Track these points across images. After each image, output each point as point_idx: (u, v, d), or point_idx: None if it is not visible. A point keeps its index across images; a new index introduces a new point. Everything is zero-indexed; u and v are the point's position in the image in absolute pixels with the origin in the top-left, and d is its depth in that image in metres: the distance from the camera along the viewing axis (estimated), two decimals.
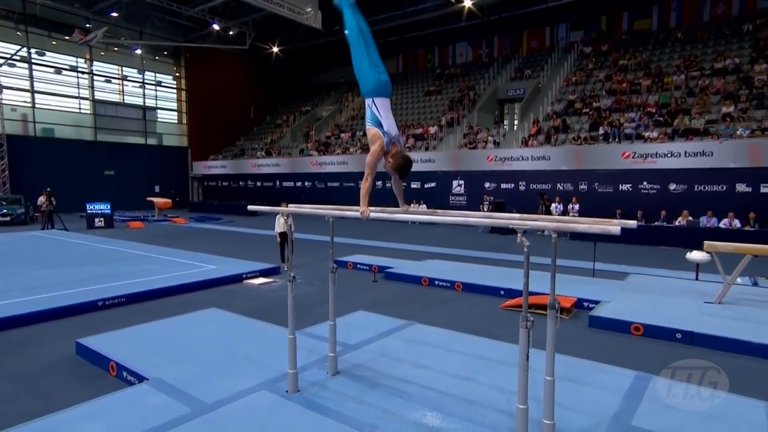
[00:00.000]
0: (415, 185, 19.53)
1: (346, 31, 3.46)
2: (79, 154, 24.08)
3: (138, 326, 5.29)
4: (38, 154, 22.59)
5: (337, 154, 23.18)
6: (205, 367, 4.13)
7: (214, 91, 29.51)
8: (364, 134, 24.01)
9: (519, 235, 2.44)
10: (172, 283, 7.52)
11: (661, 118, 15.67)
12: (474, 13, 21.21)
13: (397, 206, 3.61)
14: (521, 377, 2.52)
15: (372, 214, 3.20)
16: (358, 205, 3.19)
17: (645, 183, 14.59)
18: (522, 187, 17.06)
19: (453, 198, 18.84)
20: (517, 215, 2.57)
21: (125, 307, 6.58)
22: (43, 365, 4.55)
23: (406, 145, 21.15)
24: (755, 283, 7.67)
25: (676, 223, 13.06)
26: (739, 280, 6.85)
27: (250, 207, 4.07)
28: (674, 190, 14.10)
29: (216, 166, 28.54)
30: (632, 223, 2.27)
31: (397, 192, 3.52)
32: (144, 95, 27.56)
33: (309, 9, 20.89)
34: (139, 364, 4.13)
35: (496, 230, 15.61)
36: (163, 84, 28.63)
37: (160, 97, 28.58)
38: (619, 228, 2.18)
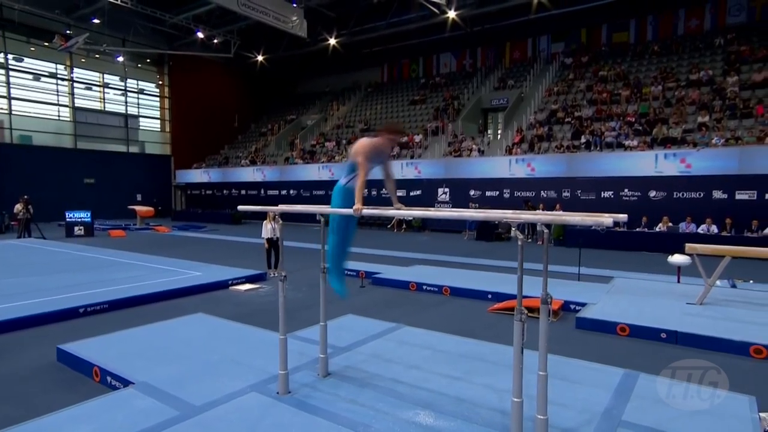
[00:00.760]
0: (400, 193, 19.59)
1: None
2: (58, 161, 23.57)
3: (122, 331, 5.17)
4: (15, 161, 22.05)
5: (323, 162, 23.17)
6: (193, 369, 4.05)
7: (197, 99, 29.28)
8: (349, 143, 24.09)
9: (513, 228, 2.48)
10: (156, 289, 7.38)
11: (640, 127, 16.09)
12: (458, 24, 21.57)
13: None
14: (516, 370, 2.53)
15: (365, 211, 3.20)
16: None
17: (626, 190, 14.91)
18: (506, 195, 17.27)
19: (438, 205, 18.95)
20: (510, 211, 2.61)
21: (108, 313, 6.42)
22: (23, 372, 4.40)
23: (392, 154, 21.25)
24: (734, 285, 7.87)
25: (657, 229, 13.36)
26: (718, 282, 7.02)
27: (241, 207, 4.03)
28: (654, 197, 14.44)
29: (200, 174, 28.23)
30: (623, 217, 2.32)
31: (391, 190, 3.55)
32: (126, 103, 27.19)
33: (294, 18, 21.01)
34: (123, 368, 4.03)
35: (482, 237, 15.75)
36: (145, 92, 28.32)
37: (143, 104, 28.24)
38: (611, 220, 2.22)
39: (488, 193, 17.69)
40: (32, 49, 23.42)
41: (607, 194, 15.22)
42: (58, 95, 24.36)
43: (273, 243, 9.35)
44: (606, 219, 2.22)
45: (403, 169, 19.50)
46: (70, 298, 6.72)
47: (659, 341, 5.27)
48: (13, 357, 4.79)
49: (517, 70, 24.18)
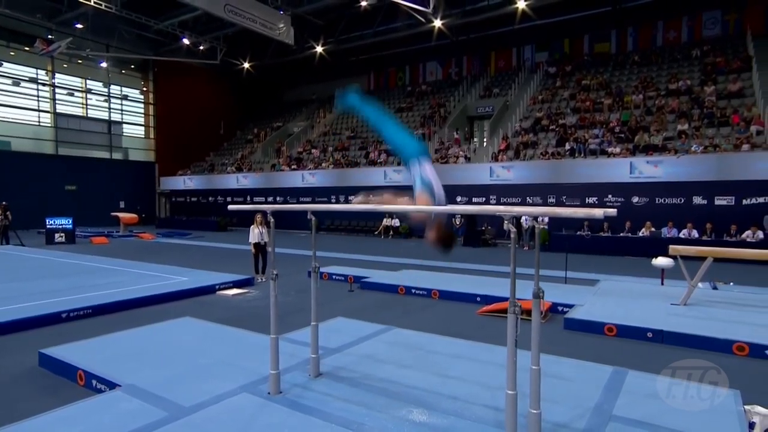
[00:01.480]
0: None
1: (370, 121, 3.51)
2: (38, 168, 23.03)
3: (107, 335, 5.06)
4: None
5: (309, 169, 23.12)
6: (181, 372, 3.98)
7: (183, 105, 29.01)
8: (336, 149, 24.14)
9: (506, 221, 2.51)
10: (142, 294, 7.25)
11: (622, 135, 16.43)
12: (444, 33, 21.84)
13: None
14: (510, 362, 2.55)
15: (365, 206, 3.17)
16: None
17: (610, 196, 15.17)
18: (493, 201, 17.40)
19: None
20: (502, 206, 2.65)
21: (91, 318, 6.28)
22: (2, 378, 4.27)
23: (378, 160, 21.35)
24: (715, 288, 8.04)
25: (640, 234, 13.61)
26: (700, 285, 7.18)
27: (231, 207, 4.00)
28: (637, 202, 14.72)
29: (184, 181, 27.90)
30: (612, 211, 2.36)
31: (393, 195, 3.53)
32: (109, 109, 26.81)
33: (281, 25, 21.05)
34: (109, 371, 3.94)
35: (468, 242, 15.83)
36: (129, 98, 27.97)
37: (127, 110, 27.88)
38: (602, 212, 2.27)
39: (475, 200, 17.81)
40: (12, 53, 22.99)
41: (591, 200, 15.46)
42: (38, 100, 23.91)
43: (260, 248, 9.28)
44: (597, 211, 2.27)
45: (387, 176, 19.59)
46: (52, 303, 6.55)
47: (646, 340, 5.36)
48: None
49: (502, 79, 24.54)
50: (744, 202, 13.21)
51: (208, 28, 23.84)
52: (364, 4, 20.54)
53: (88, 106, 26.06)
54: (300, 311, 6.50)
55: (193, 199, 27.44)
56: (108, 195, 25.33)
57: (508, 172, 17.18)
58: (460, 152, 19.63)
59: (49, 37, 22.32)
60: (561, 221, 14.71)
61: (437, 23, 20.93)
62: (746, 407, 3.38)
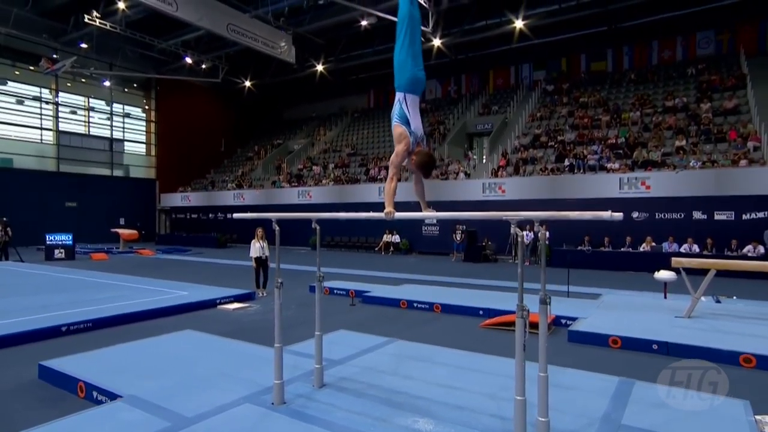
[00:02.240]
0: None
1: (398, 16, 3.35)
2: (39, 185, 23.11)
3: (107, 348, 5.01)
4: None
5: (309, 186, 23.20)
6: (183, 383, 3.93)
7: (184, 123, 29.26)
8: (336, 167, 24.27)
9: (512, 226, 2.52)
10: (142, 308, 7.19)
11: (621, 151, 16.55)
12: (443, 52, 22.17)
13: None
14: (518, 366, 2.53)
15: (397, 215, 3.07)
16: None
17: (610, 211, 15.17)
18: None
19: (426, 228, 19.04)
20: (511, 212, 2.66)
21: (92, 332, 6.22)
22: (2, 391, 4.21)
23: (379, 177, 21.44)
24: (718, 301, 8.00)
25: (641, 249, 13.59)
26: (703, 299, 7.15)
27: (236, 215, 4.01)
28: (637, 217, 14.74)
29: (185, 198, 27.95)
30: (618, 215, 2.37)
31: (419, 194, 3.53)
32: (111, 127, 27.03)
33: (283, 44, 21.37)
34: (110, 383, 3.88)
35: (469, 258, 15.81)
36: (131, 115, 28.22)
37: (129, 128, 28.10)
38: (609, 213, 2.28)
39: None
40: (17, 72, 23.29)
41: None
42: (41, 118, 24.12)
43: (261, 262, 9.26)
44: (604, 213, 2.28)
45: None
46: (52, 317, 6.50)
47: (651, 352, 5.31)
48: None
49: (501, 96, 24.84)
50: (744, 216, 13.24)
51: (211, 47, 24.20)
52: (364, 23, 20.90)
53: (91, 124, 26.28)
54: (302, 324, 6.46)
55: (193, 215, 27.45)
56: (108, 211, 25.35)
57: (501, 191, 17.25)
58: (460, 168, 19.74)
59: (54, 56, 22.63)
60: (562, 236, 14.71)
61: (436, 42, 21.27)
62: (757, 417, 3.34)
